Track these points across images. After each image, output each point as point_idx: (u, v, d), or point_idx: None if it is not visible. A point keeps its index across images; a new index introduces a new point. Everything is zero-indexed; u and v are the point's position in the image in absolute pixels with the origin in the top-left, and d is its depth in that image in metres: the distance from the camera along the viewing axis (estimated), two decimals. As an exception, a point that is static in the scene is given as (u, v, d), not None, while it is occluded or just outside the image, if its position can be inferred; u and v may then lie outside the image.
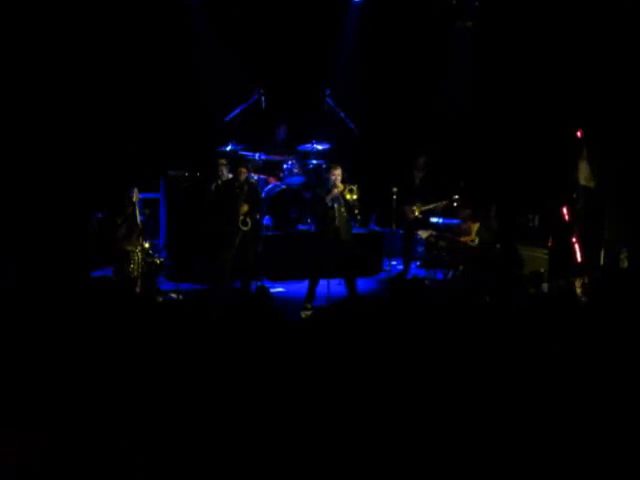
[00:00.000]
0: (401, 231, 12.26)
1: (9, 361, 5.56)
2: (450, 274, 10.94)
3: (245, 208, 10.24)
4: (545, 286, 9.85)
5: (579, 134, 11.13)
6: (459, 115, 13.08)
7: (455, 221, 11.44)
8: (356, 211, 10.35)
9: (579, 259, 10.89)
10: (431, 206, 11.73)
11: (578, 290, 9.70)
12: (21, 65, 11.15)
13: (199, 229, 11.05)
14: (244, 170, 10.48)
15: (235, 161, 10.98)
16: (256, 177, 11.72)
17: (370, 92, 13.16)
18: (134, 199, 10.12)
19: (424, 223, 11.68)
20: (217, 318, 6.35)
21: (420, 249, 12.29)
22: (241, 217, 10.19)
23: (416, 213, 11.80)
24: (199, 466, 4.70)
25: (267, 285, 9.46)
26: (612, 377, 5.54)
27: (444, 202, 11.63)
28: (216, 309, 6.97)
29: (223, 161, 10.95)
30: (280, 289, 11.12)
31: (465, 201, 11.28)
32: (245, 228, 10.21)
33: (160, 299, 9.86)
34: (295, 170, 12.24)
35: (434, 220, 11.89)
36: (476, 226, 10.87)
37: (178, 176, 11.72)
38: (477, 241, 10.84)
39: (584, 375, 5.59)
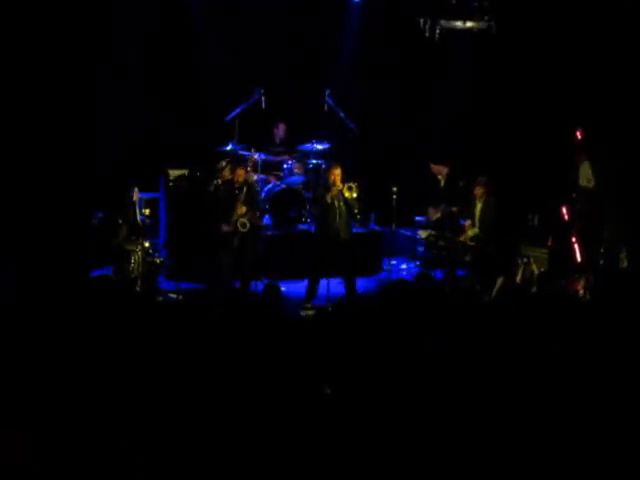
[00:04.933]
0: (404, 231, 12.34)
1: (9, 361, 5.56)
2: (450, 274, 10.96)
3: (243, 210, 10.23)
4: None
5: (579, 135, 11.13)
6: (459, 115, 13.08)
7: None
8: (356, 210, 10.36)
9: (579, 259, 10.89)
10: (453, 209, 11.76)
11: (580, 290, 9.72)
12: (20, 64, 11.15)
13: (199, 229, 11.06)
14: (242, 172, 10.46)
15: (233, 162, 10.94)
16: (256, 177, 11.72)
17: (370, 92, 13.16)
18: (134, 198, 10.13)
19: (446, 224, 11.66)
20: (218, 315, 6.36)
21: (420, 249, 12.31)
22: (241, 220, 10.18)
23: (438, 215, 11.85)
24: (199, 466, 4.70)
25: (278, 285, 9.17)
26: (612, 377, 5.54)
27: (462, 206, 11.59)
28: (216, 307, 6.98)
29: (223, 163, 10.95)
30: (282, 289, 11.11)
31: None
32: (244, 230, 10.21)
33: (160, 299, 9.87)
34: (295, 170, 12.26)
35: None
36: (479, 206, 10.84)
37: (178, 176, 11.73)
38: (477, 231, 10.84)
39: (584, 375, 5.59)
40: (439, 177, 12.17)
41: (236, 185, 10.34)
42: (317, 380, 5.30)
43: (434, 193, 12.08)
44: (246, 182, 10.51)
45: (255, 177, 11.67)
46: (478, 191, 10.86)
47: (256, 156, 11.78)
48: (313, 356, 5.61)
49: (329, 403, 5.10)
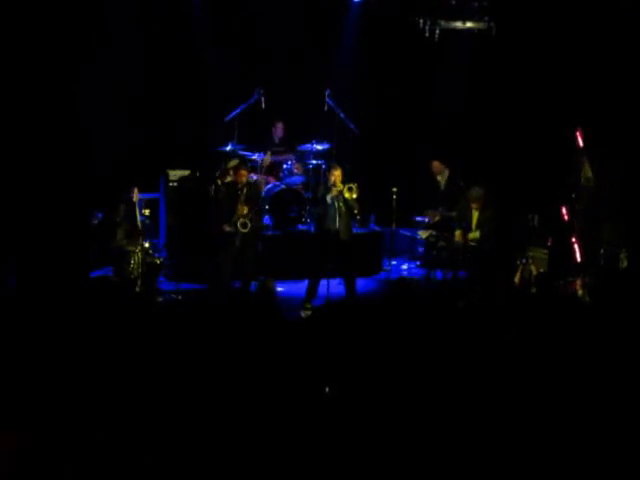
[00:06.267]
0: (404, 231, 12.36)
1: (10, 361, 5.56)
2: (450, 274, 10.95)
3: (244, 210, 10.25)
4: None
5: (579, 135, 11.13)
6: (459, 115, 13.08)
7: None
8: (355, 211, 10.37)
9: (579, 259, 10.89)
10: (452, 213, 11.74)
11: (579, 290, 9.72)
12: (20, 63, 11.15)
13: (199, 229, 11.06)
14: (245, 173, 10.51)
15: (237, 164, 10.96)
16: (256, 177, 11.74)
17: (370, 92, 13.17)
18: (134, 199, 10.13)
19: (445, 226, 11.66)
20: (218, 315, 6.37)
21: (420, 249, 12.32)
22: (241, 220, 10.18)
23: (437, 218, 11.87)
24: (198, 465, 4.70)
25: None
26: (612, 377, 5.55)
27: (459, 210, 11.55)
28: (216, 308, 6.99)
29: (235, 161, 11.01)
30: (280, 289, 11.10)
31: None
32: (245, 230, 10.22)
33: (160, 299, 9.88)
34: (295, 170, 12.27)
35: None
36: (476, 215, 10.88)
37: (178, 176, 11.75)
38: (478, 235, 10.85)
39: (584, 375, 5.59)
40: (438, 178, 12.21)
41: (239, 186, 10.37)
42: (316, 379, 5.30)
43: (434, 195, 12.13)
44: (248, 183, 10.54)
45: (263, 180, 11.74)
46: (474, 205, 10.90)
47: (270, 158, 11.85)
48: (312, 356, 5.62)
49: (329, 403, 5.11)
